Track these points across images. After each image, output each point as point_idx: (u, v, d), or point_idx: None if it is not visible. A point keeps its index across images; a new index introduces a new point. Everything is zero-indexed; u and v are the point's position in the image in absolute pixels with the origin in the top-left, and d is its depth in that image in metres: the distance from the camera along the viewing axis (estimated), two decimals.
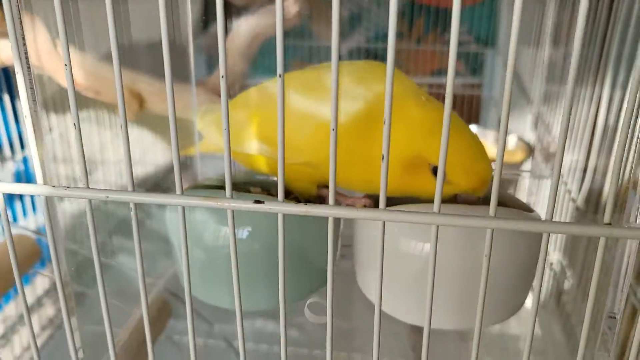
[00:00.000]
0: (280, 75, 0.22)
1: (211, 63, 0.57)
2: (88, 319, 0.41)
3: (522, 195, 0.70)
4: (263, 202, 0.24)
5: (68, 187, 0.25)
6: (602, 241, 0.22)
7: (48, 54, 0.51)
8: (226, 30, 0.57)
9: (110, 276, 0.46)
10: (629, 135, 0.31)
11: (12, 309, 0.77)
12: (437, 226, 0.23)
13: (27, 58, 0.27)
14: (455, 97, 0.95)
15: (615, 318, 0.27)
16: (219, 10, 0.21)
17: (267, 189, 0.41)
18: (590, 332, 0.30)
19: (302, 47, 0.87)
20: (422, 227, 0.33)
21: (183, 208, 0.25)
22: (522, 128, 0.80)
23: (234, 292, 0.26)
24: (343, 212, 0.23)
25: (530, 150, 0.77)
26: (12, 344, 0.72)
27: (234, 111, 0.40)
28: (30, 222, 0.80)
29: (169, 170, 0.58)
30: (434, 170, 0.33)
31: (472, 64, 0.95)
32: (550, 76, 0.64)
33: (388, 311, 0.37)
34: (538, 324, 0.55)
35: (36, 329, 0.71)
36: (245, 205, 0.24)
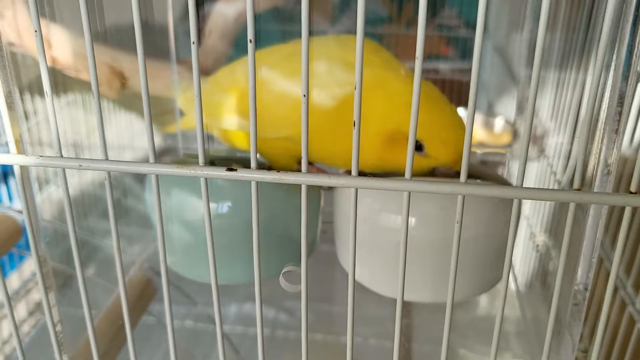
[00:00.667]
0: (250, 41, 0.22)
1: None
2: (76, 302, 0.41)
3: (512, 178, 0.71)
4: (236, 170, 0.24)
5: (41, 156, 0.25)
6: (571, 207, 0.22)
7: (28, 33, 0.51)
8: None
9: (101, 259, 0.46)
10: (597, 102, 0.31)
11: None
12: (409, 192, 0.23)
13: None
14: (444, 81, 0.96)
15: (587, 289, 0.28)
16: None
17: (249, 166, 0.41)
18: (562, 305, 0.30)
19: (291, 31, 0.87)
20: (396, 202, 0.33)
21: (157, 176, 0.25)
22: (509, 111, 0.80)
23: (216, 266, 0.26)
24: (315, 179, 0.23)
25: (516, 132, 0.77)
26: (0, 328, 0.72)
27: (214, 87, 0.40)
28: (16, 206, 0.79)
29: (160, 153, 0.58)
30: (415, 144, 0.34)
31: (462, 48, 0.95)
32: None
33: (369, 286, 0.37)
34: (526, 306, 0.55)
35: (23, 313, 0.71)
36: (218, 173, 0.24)
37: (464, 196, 0.23)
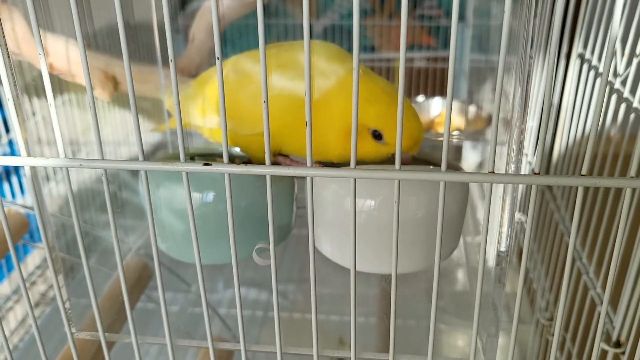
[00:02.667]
0: (218, 58, 0.26)
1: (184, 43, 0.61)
2: (80, 292, 0.46)
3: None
4: (211, 164, 0.28)
5: (47, 157, 0.29)
6: (487, 187, 0.27)
7: (26, 42, 0.55)
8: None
9: (102, 249, 0.50)
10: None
11: (5, 287, 0.81)
12: (355, 179, 0.28)
13: (6, 45, 0.32)
14: (427, 70, 1.00)
15: (507, 255, 0.33)
16: None
17: (232, 160, 0.46)
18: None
19: (276, 24, 0.91)
20: (363, 188, 0.38)
21: (145, 172, 0.29)
22: (483, 98, 0.84)
23: (203, 248, 0.31)
24: (277, 170, 0.28)
25: (489, 118, 0.81)
26: (7, 319, 0.76)
27: (197, 90, 0.45)
28: (19, 202, 0.84)
29: (152, 150, 0.62)
30: (374, 134, 0.38)
31: (443, 37, 0.99)
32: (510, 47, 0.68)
33: (341, 262, 0.41)
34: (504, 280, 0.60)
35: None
36: (196, 167, 0.28)
37: (399, 181, 0.27)
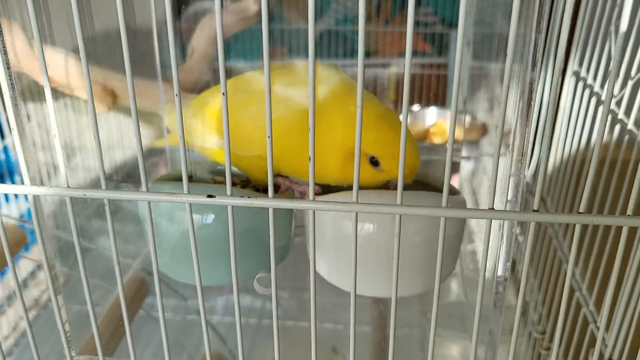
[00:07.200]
0: (223, 94, 0.27)
1: (182, 53, 0.60)
2: (72, 299, 0.46)
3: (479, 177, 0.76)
4: (214, 196, 0.29)
5: (51, 187, 0.29)
6: (487, 223, 0.28)
7: (25, 56, 0.55)
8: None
9: (92, 258, 0.51)
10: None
11: None
12: (356, 213, 0.28)
13: (6, 57, 0.32)
14: (422, 77, 1.00)
15: (506, 280, 0.34)
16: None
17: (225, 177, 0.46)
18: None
19: (272, 30, 0.91)
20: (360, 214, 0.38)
21: (149, 203, 0.30)
22: (479, 107, 0.84)
23: (200, 270, 0.31)
24: (279, 203, 0.28)
25: (484, 129, 0.82)
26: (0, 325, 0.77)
27: (196, 109, 0.45)
28: (12, 208, 0.84)
29: (147, 153, 0.62)
30: (371, 160, 0.39)
31: (438, 44, 0.99)
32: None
33: (337, 284, 0.42)
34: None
35: (20, 309, 0.76)
36: (199, 199, 0.29)
37: (401, 215, 0.28)
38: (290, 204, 0.28)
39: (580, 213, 0.27)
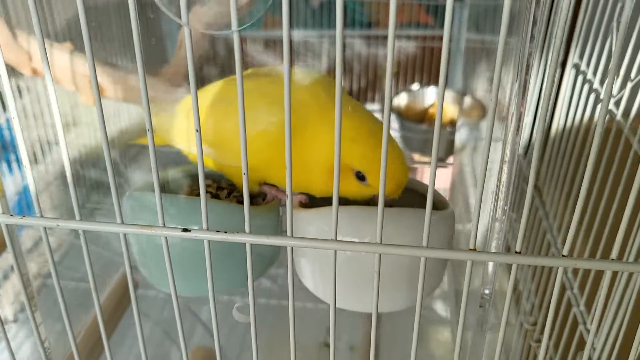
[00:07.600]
0: (197, 130, 0.26)
1: (169, 49, 0.59)
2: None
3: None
4: (189, 231, 0.28)
5: (24, 216, 0.29)
6: (468, 264, 0.27)
7: (8, 47, 0.54)
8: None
9: (79, 258, 0.50)
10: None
11: None
12: (335, 251, 0.28)
13: None
14: (423, 50, 0.98)
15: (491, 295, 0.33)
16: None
17: (218, 181, 0.46)
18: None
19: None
20: (347, 227, 0.37)
21: (125, 235, 0.29)
22: (480, 87, 0.82)
23: (181, 281, 0.31)
24: (257, 239, 0.28)
25: (484, 109, 0.80)
26: None
27: (182, 113, 0.44)
28: None
29: (141, 127, 0.62)
30: (357, 175, 0.38)
31: (441, 16, 0.97)
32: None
33: (323, 298, 0.41)
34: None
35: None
36: (175, 233, 0.28)
37: (380, 254, 0.27)
38: (266, 240, 0.28)
39: (564, 256, 0.26)
